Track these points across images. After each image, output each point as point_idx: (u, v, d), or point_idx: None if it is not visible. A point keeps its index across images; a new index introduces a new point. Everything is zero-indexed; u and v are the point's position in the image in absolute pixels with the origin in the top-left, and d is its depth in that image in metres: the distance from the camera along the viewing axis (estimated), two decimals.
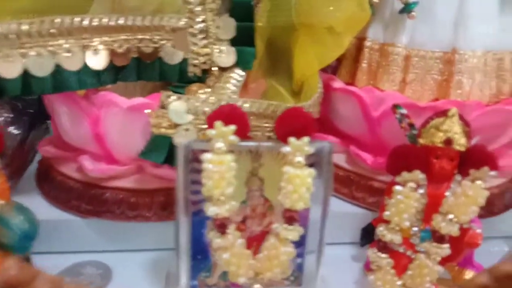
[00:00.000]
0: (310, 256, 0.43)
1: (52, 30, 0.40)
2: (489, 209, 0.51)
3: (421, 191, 0.42)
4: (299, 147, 0.35)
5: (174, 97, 0.42)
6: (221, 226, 0.35)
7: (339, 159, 0.55)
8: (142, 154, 0.42)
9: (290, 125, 0.36)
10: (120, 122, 0.43)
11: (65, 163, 0.49)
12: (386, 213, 0.42)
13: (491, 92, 0.51)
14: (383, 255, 0.42)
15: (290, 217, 0.36)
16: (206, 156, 0.34)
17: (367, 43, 0.52)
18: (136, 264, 0.46)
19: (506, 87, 0.52)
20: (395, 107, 0.45)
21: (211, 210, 0.35)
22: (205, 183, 0.34)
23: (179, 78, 0.46)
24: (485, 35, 0.49)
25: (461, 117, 0.42)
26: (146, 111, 0.42)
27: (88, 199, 0.46)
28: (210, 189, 0.34)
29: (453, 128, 0.41)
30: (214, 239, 0.36)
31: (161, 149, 0.41)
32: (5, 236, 0.35)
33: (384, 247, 0.42)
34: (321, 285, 0.45)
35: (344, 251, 0.51)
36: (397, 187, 0.41)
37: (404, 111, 0.45)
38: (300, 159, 0.35)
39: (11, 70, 0.39)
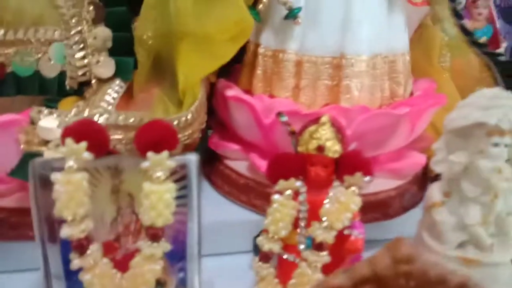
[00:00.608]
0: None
1: None
2: (386, 212, 0.52)
3: (302, 198, 0.42)
4: (159, 162, 0.35)
5: (45, 112, 0.41)
6: (79, 247, 0.34)
7: (240, 166, 0.55)
8: (11, 173, 0.40)
9: (148, 139, 0.35)
10: None
11: None
12: (265, 222, 0.41)
13: (384, 95, 0.52)
14: (265, 265, 0.42)
15: (153, 234, 0.36)
16: (54, 176, 0.33)
17: (261, 50, 0.52)
18: (20, 285, 0.45)
19: (401, 89, 0.53)
20: (278, 115, 0.45)
21: (64, 231, 0.34)
22: (56, 204, 0.33)
23: (58, 91, 0.45)
24: (372, 39, 0.50)
25: (334, 124, 0.42)
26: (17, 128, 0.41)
27: None
28: (60, 210, 0.33)
29: (325, 135, 0.41)
30: (73, 260, 0.35)
31: None
32: None
33: (266, 256, 0.42)
34: None
35: (244, 260, 0.51)
36: (275, 196, 0.41)
37: (285, 118, 0.44)
38: (159, 174, 0.35)
39: None
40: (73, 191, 0.33)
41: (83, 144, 0.33)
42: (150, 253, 0.36)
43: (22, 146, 0.40)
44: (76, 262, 0.35)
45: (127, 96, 0.47)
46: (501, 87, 0.61)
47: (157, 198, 0.34)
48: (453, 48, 0.67)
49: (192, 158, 0.37)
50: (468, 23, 0.74)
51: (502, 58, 0.71)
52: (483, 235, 0.42)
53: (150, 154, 0.34)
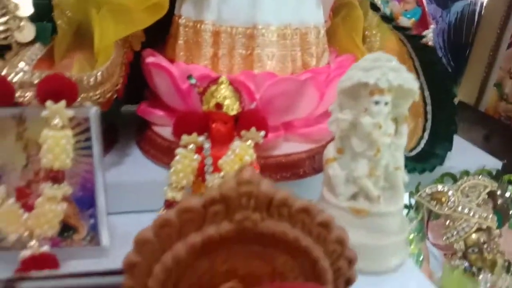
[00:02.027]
0: (118, 217, 0.47)
1: None
2: (296, 172, 0.56)
3: (206, 153, 0.46)
4: (57, 110, 0.38)
5: None
6: None
7: (165, 132, 0.58)
8: None
9: (47, 89, 0.38)
10: None
11: None
12: (168, 174, 0.45)
13: (296, 65, 0.56)
14: None
15: (54, 176, 0.39)
16: None
17: (182, 21, 0.56)
18: None
19: (313, 60, 0.57)
20: (188, 77, 0.49)
21: None
22: None
23: None
24: (282, 10, 0.53)
25: (232, 84, 0.45)
26: None
27: None
28: None
29: (223, 94, 0.45)
30: None
31: None
32: None
33: (170, 205, 0.46)
34: (123, 245, 0.48)
35: None
36: (179, 150, 0.45)
37: (194, 81, 0.48)
38: (56, 121, 0.38)
39: None
40: None
41: None
42: (51, 194, 0.39)
43: None
44: None
45: (50, 62, 0.50)
46: (415, 60, 0.65)
47: (54, 143, 0.38)
48: (382, 27, 0.72)
49: (92, 110, 0.41)
50: (398, 5, 0.78)
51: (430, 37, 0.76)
52: (370, 187, 0.46)
53: (48, 103, 0.38)
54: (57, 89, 0.38)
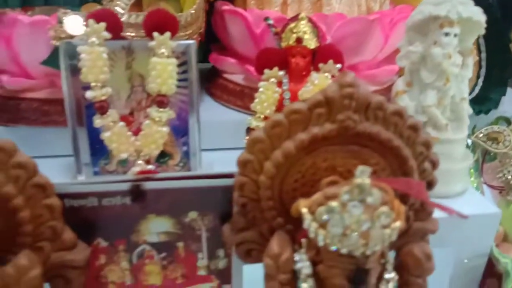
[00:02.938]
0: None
1: None
2: None
3: (285, 87, 0.50)
4: (162, 41, 0.43)
5: (70, 12, 0.49)
6: (100, 108, 0.43)
7: (237, 78, 0.63)
8: (44, 62, 0.49)
9: (153, 21, 0.43)
10: (27, 38, 0.50)
11: None
12: (252, 105, 0.49)
13: (361, 9, 0.59)
14: None
15: (160, 101, 0.44)
16: (81, 47, 0.41)
17: None
18: (52, 168, 0.53)
19: (377, 6, 0.60)
20: (265, 19, 0.53)
21: (88, 93, 0.42)
22: (82, 71, 0.42)
23: (80, 1, 0.53)
24: None
25: (310, 20, 0.49)
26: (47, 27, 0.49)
27: (7, 109, 0.54)
28: (85, 75, 0.42)
29: (303, 29, 0.48)
30: (96, 120, 0.43)
31: None
32: None
33: None
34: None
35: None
36: (261, 83, 0.49)
37: (271, 21, 0.52)
38: (163, 50, 0.43)
39: None
40: (95, 60, 0.41)
41: (103, 24, 0.42)
42: (157, 117, 0.44)
43: (52, 41, 0.49)
44: (98, 121, 0.43)
45: (139, 8, 0.55)
46: None
47: (162, 69, 0.43)
48: None
49: (191, 43, 0.45)
50: None
51: None
52: (439, 115, 0.50)
53: (155, 34, 0.43)
54: (162, 22, 0.43)
